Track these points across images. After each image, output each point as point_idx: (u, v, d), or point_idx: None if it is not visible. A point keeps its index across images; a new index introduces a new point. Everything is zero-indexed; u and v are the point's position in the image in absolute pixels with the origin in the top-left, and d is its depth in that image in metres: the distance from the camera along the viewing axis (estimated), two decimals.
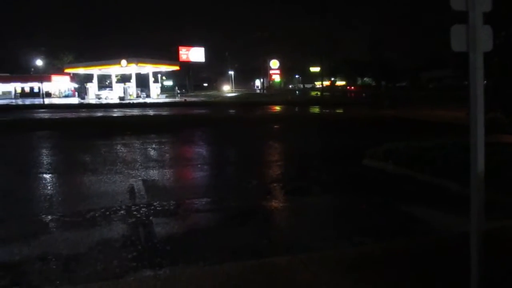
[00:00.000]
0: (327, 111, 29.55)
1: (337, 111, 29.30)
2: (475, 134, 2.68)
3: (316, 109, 31.93)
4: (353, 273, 3.45)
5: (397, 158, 8.09)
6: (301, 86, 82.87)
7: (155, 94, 51.73)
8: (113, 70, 50.90)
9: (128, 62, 45.28)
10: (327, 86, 64.71)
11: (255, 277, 3.39)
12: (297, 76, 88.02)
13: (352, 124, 19.66)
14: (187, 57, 68.72)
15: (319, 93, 60.48)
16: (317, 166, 9.27)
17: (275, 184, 7.38)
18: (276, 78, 66.59)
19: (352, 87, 64.27)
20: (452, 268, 3.43)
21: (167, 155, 11.20)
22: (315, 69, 72.87)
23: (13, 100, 50.09)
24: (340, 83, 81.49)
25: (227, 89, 73.76)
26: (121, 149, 11.82)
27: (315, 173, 8.49)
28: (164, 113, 28.08)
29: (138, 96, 48.57)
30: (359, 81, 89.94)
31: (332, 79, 69.50)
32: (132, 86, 49.44)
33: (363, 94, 51.73)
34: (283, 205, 6.23)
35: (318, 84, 76.71)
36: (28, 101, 44.73)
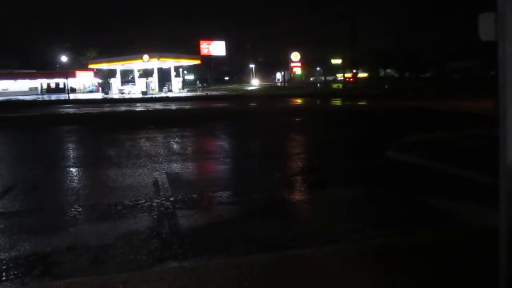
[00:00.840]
0: (349, 103, 29.26)
1: (359, 103, 28.97)
2: (504, 125, 2.61)
3: (337, 101, 31.66)
4: (377, 265, 3.44)
5: (421, 150, 7.96)
6: (323, 78, 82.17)
7: (177, 88, 52.20)
8: (136, 65, 51.54)
9: (150, 57, 45.79)
10: (349, 78, 64.02)
11: (278, 269, 3.41)
12: (318, 68, 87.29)
13: (374, 115, 19.43)
14: (208, 51, 68.98)
15: (340, 85, 59.93)
16: (339, 158, 9.22)
17: (297, 177, 7.37)
18: (297, 70, 66.27)
19: (351, 78, 63.68)
20: (480, 262, 3.38)
21: (190, 148, 11.31)
22: (336, 61, 72.14)
23: (40, 96, 51.40)
24: (362, 74, 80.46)
25: (256, 83, 73.27)
26: (145, 143, 12.00)
27: (338, 165, 8.45)
28: (186, 107, 28.30)
29: (160, 90, 49.11)
30: (382, 73, 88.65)
31: (354, 71, 68.65)
32: (154, 81, 50.01)
33: (386, 86, 50.96)
34: (306, 197, 6.22)
35: (340, 76, 76.00)
36: (54, 97, 45.82)
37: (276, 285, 3.16)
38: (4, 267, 3.83)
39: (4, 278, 3.61)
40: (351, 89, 51.54)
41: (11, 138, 14.61)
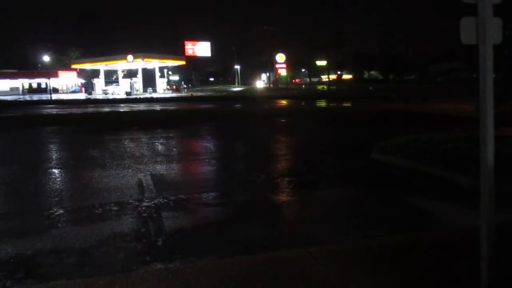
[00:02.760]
0: (334, 104, 29.46)
1: (344, 104, 29.19)
2: (485, 127, 2.67)
3: (323, 103, 31.85)
4: (363, 266, 3.47)
5: (406, 152, 8.07)
6: (308, 80, 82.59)
7: (162, 89, 51.85)
8: (120, 65, 51.08)
9: (134, 57, 45.44)
10: (333, 79, 64.44)
11: (265, 270, 3.42)
12: (303, 70, 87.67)
13: (359, 117, 19.61)
14: (193, 52, 68.74)
15: (325, 87, 60.28)
16: (325, 160, 9.27)
17: (283, 178, 7.40)
18: (283, 72, 66.33)
19: (297, 80, 66.74)
20: (462, 262, 3.44)
21: (175, 149, 11.25)
22: (321, 62, 72.52)
23: (21, 96, 50.49)
24: (347, 76, 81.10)
25: (240, 84, 72.17)
26: (129, 144, 11.89)
27: (324, 167, 8.50)
28: (171, 107, 28.15)
29: (144, 91, 48.74)
30: (366, 75, 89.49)
31: (339, 72, 69.16)
32: (138, 81, 49.61)
33: (370, 88, 51.43)
34: (292, 199, 6.25)
35: (324, 77, 76.43)
36: (35, 97, 45.07)
37: (262, 286, 3.16)
38: None
39: None
40: (336, 90, 51.88)
41: None
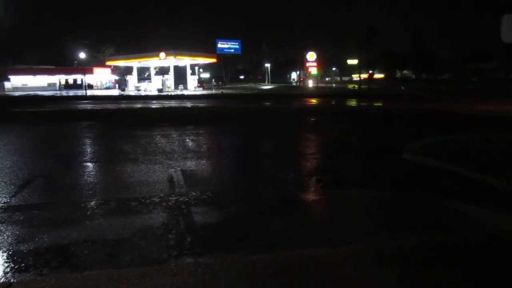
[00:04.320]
0: (365, 104, 29.06)
1: (375, 104, 28.74)
2: None
3: (353, 102, 31.46)
4: (392, 267, 3.42)
5: (438, 153, 7.88)
6: (338, 79, 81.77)
7: (193, 86, 52.45)
8: (152, 62, 51.96)
9: (167, 54, 46.10)
10: (365, 78, 63.57)
11: (293, 268, 3.42)
12: (334, 68, 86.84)
13: (390, 117, 19.26)
14: (224, 50, 69.18)
15: (356, 86, 59.53)
16: (355, 159, 9.17)
17: (313, 177, 7.36)
18: (313, 70, 65.87)
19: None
20: (496, 267, 3.34)
21: (205, 146, 11.37)
22: (352, 61, 71.65)
23: (58, 92, 52.12)
24: (378, 75, 79.79)
25: (311, 85, 69.66)
26: (160, 139, 12.10)
27: (354, 167, 8.41)
28: (201, 105, 28.43)
29: (176, 88, 49.42)
30: (398, 74, 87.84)
31: (370, 71, 68.13)
32: (170, 78, 50.33)
33: (402, 88, 50.45)
34: (321, 198, 6.21)
35: (355, 76, 75.50)
36: (71, 93, 46.47)
37: (290, 284, 3.17)
38: (24, 258, 3.91)
39: (23, 269, 3.69)
40: (367, 90, 51.11)
41: (30, 133, 14.87)
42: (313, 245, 4.16)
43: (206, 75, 79.76)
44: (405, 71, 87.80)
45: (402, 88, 49.89)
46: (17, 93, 48.46)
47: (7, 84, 57.96)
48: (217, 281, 3.20)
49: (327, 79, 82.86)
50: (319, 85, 65.00)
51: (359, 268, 3.40)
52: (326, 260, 3.59)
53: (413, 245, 4.00)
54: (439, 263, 3.49)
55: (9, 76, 59.41)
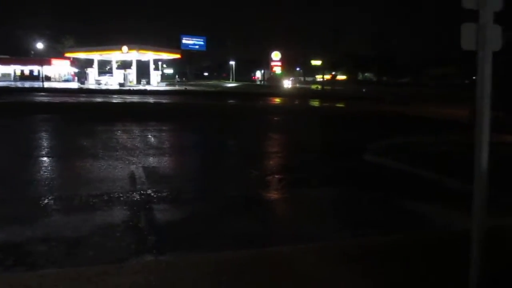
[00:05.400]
0: (328, 104, 29.55)
1: (338, 105, 29.29)
2: (481, 132, 2.71)
3: (316, 103, 31.93)
4: (351, 264, 3.51)
5: (397, 154, 8.15)
6: (302, 79, 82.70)
7: (156, 82, 51.59)
8: (114, 56, 50.69)
9: (129, 48, 45.10)
10: (328, 79, 64.59)
11: (255, 266, 3.44)
12: (298, 69, 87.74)
13: (352, 118, 19.69)
14: (189, 46, 68.47)
15: (319, 86, 60.41)
16: (317, 159, 9.31)
17: (275, 175, 7.42)
18: (277, 70, 66.35)
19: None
20: (450, 264, 3.49)
21: (167, 142, 11.23)
22: (316, 62, 72.68)
23: (13, 83, 49.89)
24: (341, 77, 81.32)
25: (234, 80, 66.47)
26: (121, 135, 11.84)
27: (316, 166, 8.54)
28: (164, 101, 28.05)
29: (138, 83, 48.48)
30: (360, 76, 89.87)
31: (333, 73, 69.31)
32: (132, 73, 49.29)
33: (363, 90, 51.66)
34: (283, 196, 6.28)
35: (319, 77, 76.56)
36: (27, 84, 44.55)
37: (252, 281, 3.18)
38: None
39: None
40: (330, 91, 51.98)
41: None
42: (276, 243, 4.20)
43: (169, 71, 78.67)
44: (367, 74, 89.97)
45: (364, 90, 51.08)
46: None
47: None
48: (179, 279, 3.17)
49: (290, 79, 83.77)
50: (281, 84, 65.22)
51: (321, 265, 3.46)
52: (289, 257, 3.63)
53: (373, 243, 4.11)
54: (397, 260, 3.60)
55: None
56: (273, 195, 6.32)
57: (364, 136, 12.52)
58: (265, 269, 3.39)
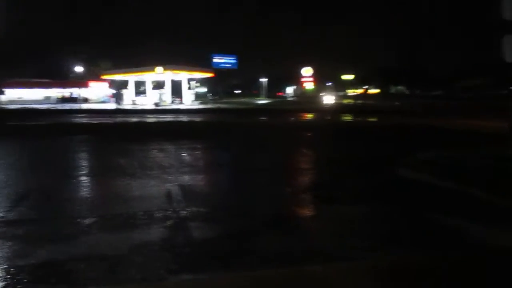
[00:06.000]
0: (360, 119, 29.25)
1: (370, 119, 28.94)
2: None
3: (349, 117, 31.65)
4: (388, 283, 3.44)
5: (432, 168, 7.96)
6: (318, 94, 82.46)
7: (189, 101, 52.59)
8: (148, 76, 52.08)
9: (164, 69, 46.28)
10: (360, 94, 64.07)
11: (291, 284, 3.43)
12: (329, 83, 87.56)
13: (385, 132, 19.39)
14: (220, 65, 69.58)
15: (352, 101, 59.95)
16: (350, 175, 9.20)
17: (309, 192, 7.39)
18: (308, 85, 66.30)
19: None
20: (492, 284, 3.37)
21: (201, 160, 11.40)
22: (347, 77, 72.38)
23: (54, 105, 52.00)
24: (373, 91, 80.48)
25: (267, 97, 65.71)
26: (157, 154, 12.11)
27: (349, 182, 8.43)
28: (198, 119, 28.51)
29: (172, 102, 49.53)
30: (393, 89, 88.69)
31: (365, 87, 68.74)
32: (166, 92, 50.46)
33: (397, 103, 50.88)
34: (316, 213, 6.24)
35: (350, 92, 76.08)
36: (67, 106, 46.37)
37: None
38: (22, 274, 3.89)
39: (23, 285, 3.67)
40: (362, 105, 51.45)
41: (25, 146, 14.81)
42: (310, 261, 4.18)
43: (202, 90, 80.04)
44: (399, 87, 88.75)
45: (397, 103, 50.31)
46: (12, 106, 48.34)
47: (1, 97, 57.78)
48: None
49: (321, 94, 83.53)
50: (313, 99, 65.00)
51: (356, 284, 3.42)
52: (323, 276, 3.61)
53: (409, 262, 4.03)
54: (436, 280, 3.51)
55: (4, 89, 59.28)
56: (306, 212, 6.30)
57: (398, 150, 12.30)
58: (302, 287, 3.38)
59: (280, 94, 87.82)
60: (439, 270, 3.73)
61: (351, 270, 3.73)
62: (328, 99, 55.40)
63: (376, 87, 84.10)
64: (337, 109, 42.53)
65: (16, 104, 52.57)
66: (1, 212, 6.00)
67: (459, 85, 71.10)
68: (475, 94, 60.94)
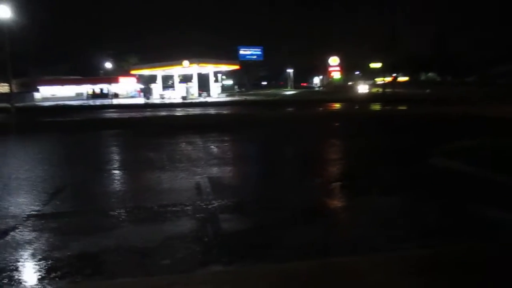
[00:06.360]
0: (389, 107, 28.68)
1: (400, 108, 28.34)
2: None
3: (377, 106, 31.10)
4: (423, 275, 3.36)
5: (468, 157, 7.71)
6: (350, 83, 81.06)
7: (216, 93, 52.88)
8: (176, 70, 52.61)
9: (190, 62, 46.61)
10: (389, 82, 62.77)
11: (324, 276, 3.40)
12: (357, 72, 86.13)
13: (418, 121, 18.95)
14: (246, 56, 69.57)
15: (380, 89, 58.77)
16: (381, 165, 9.04)
17: (339, 183, 7.30)
18: (336, 75, 65.51)
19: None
20: None
21: (230, 152, 11.43)
22: (375, 65, 70.93)
23: (85, 101, 53.33)
24: (403, 78, 78.70)
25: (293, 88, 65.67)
26: (186, 147, 12.23)
27: (379, 172, 8.29)
28: (225, 111, 28.62)
29: (199, 95, 49.93)
30: (423, 76, 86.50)
31: (394, 75, 67.24)
32: (193, 86, 50.88)
33: (427, 90, 49.60)
34: (347, 204, 6.16)
35: (378, 80, 74.59)
36: (98, 102, 47.44)
37: None
38: (58, 265, 4.01)
39: (58, 276, 3.78)
40: (391, 93, 50.42)
41: (60, 142, 15.25)
42: (342, 253, 4.13)
43: (229, 82, 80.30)
44: (430, 74, 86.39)
45: (428, 91, 49.06)
46: (46, 103, 49.86)
47: (36, 95, 59.72)
48: None
49: (349, 83, 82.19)
50: (341, 89, 64.17)
51: (389, 277, 3.35)
52: (355, 268, 3.56)
53: (445, 254, 3.91)
54: (472, 272, 3.40)
55: (38, 87, 61.19)
56: (337, 203, 6.23)
57: (431, 139, 12.01)
58: (335, 279, 3.34)
59: (304, 84, 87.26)
60: (475, 262, 3.61)
61: (383, 262, 3.66)
62: (362, 88, 54.99)
63: (405, 75, 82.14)
64: (366, 98, 41.87)
65: (50, 101, 54.28)
66: (38, 205, 6.19)
67: (494, 70, 68.61)
68: (510, 80, 58.70)
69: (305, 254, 4.13)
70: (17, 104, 33.15)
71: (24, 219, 5.52)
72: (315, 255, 4.08)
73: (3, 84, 51.92)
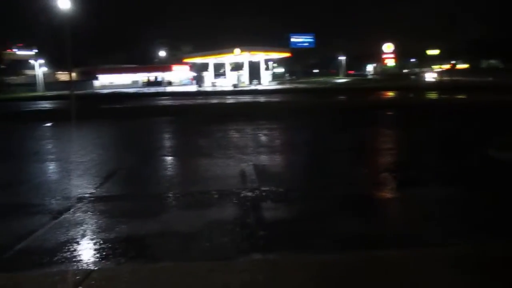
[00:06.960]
0: (446, 96, 27.37)
1: (458, 96, 26.98)
2: None
3: (433, 95, 29.79)
4: (470, 272, 3.17)
5: None
6: (417, 70, 77.78)
7: (267, 81, 52.89)
8: (227, 58, 53.11)
9: (241, 50, 46.88)
10: (447, 69, 59.92)
11: (365, 269, 3.29)
12: (412, 60, 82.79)
13: (475, 111, 17.95)
14: (298, 44, 68.82)
15: (438, 77, 56.24)
16: (434, 155, 8.66)
17: (388, 174, 7.05)
18: (390, 62, 63.25)
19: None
20: None
21: (277, 141, 11.39)
22: (432, 51, 67.81)
23: (140, 89, 55.20)
24: (462, 66, 74.79)
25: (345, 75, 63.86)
26: (234, 134, 12.33)
27: (433, 163, 7.94)
28: (275, 99, 28.54)
29: (250, 83, 50.15)
30: (484, 64, 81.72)
31: (453, 62, 64.00)
32: (244, 74, 51.16)
33: (490, 78, 46.83)
34: (395, 196, 5.94)
35: (436, 68, 71.37)
36: (152, 89, 48.92)
37: (358, 286, 3.05)
38: (104, 247, 4.16)
39: (103, 258, 3.93)
40: (449, 81, 48.12)
41: (115, 128, 15.88)
42: (385, 246, 3.99)
43: (279, 70, 79.93)
44: (491, 61, 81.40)
45: (490, 78, 46.34)
46: (104, 91, 52.17)
47: (95, 83, 62.68)
48: (286, 279, 3.17)
49: (404, 71, 79.09)
50: (395, 77, 61.88)
51: (432, 272, 3.19)
52: (398, 262, 3.42)
53: (495, 250, 3.67)
54: None
55: (97, 75, 64.06)
56: (385, 194, 6.02)
57: (490, 130, 11.34)
58: (376, 273, 3.22)
59: (351, 72, 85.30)
60: None
61: (428, 256, 3.49)
62: (429, 76, 52.97)
63: (464, 62, 77.94)
64: (422, 86, 40.23)
65: (108, 88, 56.74)
66: (91, 188, 6.47)
67: None
68: None
69: (346, 246, 4.03)
70: (77, 92, 34.86)
71: (77, 201, 5.78)
72: (356, 247, 3.97)
73: (65, 72, 54.83)
